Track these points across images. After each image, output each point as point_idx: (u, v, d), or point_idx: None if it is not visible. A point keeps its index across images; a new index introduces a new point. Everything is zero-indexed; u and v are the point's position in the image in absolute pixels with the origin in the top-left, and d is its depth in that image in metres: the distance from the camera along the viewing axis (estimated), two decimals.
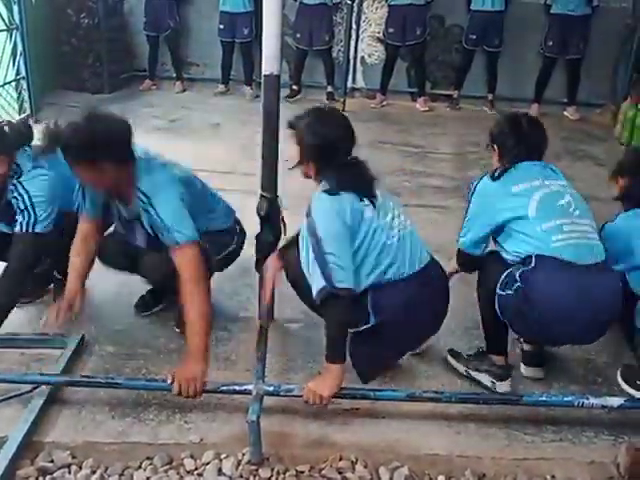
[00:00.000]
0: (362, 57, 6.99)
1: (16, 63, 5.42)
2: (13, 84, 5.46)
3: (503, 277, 2.20)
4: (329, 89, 6.80)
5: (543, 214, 2.19)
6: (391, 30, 6.52)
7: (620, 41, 6.51)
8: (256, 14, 6.41)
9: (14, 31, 5.32)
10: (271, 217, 2.53)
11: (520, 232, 2.21)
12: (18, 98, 5.50)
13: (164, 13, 6.67)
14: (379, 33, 6.83)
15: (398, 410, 2.23)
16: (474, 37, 6.55)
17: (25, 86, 5.47)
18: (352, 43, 6.67)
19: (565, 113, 6.66)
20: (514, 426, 2.21)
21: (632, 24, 6.35)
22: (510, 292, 2.17)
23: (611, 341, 2.73)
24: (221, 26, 6.67)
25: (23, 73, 5.43)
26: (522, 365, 2.50)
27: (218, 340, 2.59)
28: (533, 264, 2.14)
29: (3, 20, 5.18)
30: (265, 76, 2.32)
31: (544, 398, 2.22)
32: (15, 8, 5.25)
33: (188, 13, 7.00)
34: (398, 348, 2.33)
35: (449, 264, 2.53)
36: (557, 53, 6.46)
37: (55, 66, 6.14)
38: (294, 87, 6.74)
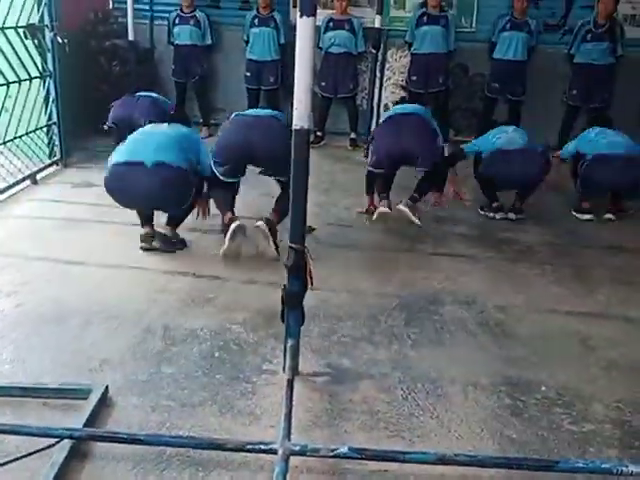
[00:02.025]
0: (386, 104, 7.06)
1: (48, 109, 5.55)
2: (45, 129, 5.58)
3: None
4: (352, 135, 6.87)
5: None
6: (414, 78, 6.64)
7: None
8: (282, 62, 6.57)
9: (47, 78, 5.46)
10: (298, 268, 2.52)
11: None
12: (49, 143, 5.60)
13: (192, 60, 6.85)
14: (402, 81, 6.93)
15: (428, 473, 2.14)
16: (496, 85, 6.61)
17: (56, 131, 5.58)
18: (376, 91, 6.75)
19: None
20: None
21: None
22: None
23: None
24: (248, 74, 6.81)
25: (55, 119, 5.55)
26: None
27: (242, 394, 2.55)
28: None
29: (37, 67, 5.32)
30: (296, 130, 2.33)
31: (580, 464, 2.12)
32: (49, 56, 5.41)
33: (215, 60, 7.18)
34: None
35: None
36: (581, 102, 6.46)
37: (86, 112, 6.28)
38: (318, 134, 6.81)
